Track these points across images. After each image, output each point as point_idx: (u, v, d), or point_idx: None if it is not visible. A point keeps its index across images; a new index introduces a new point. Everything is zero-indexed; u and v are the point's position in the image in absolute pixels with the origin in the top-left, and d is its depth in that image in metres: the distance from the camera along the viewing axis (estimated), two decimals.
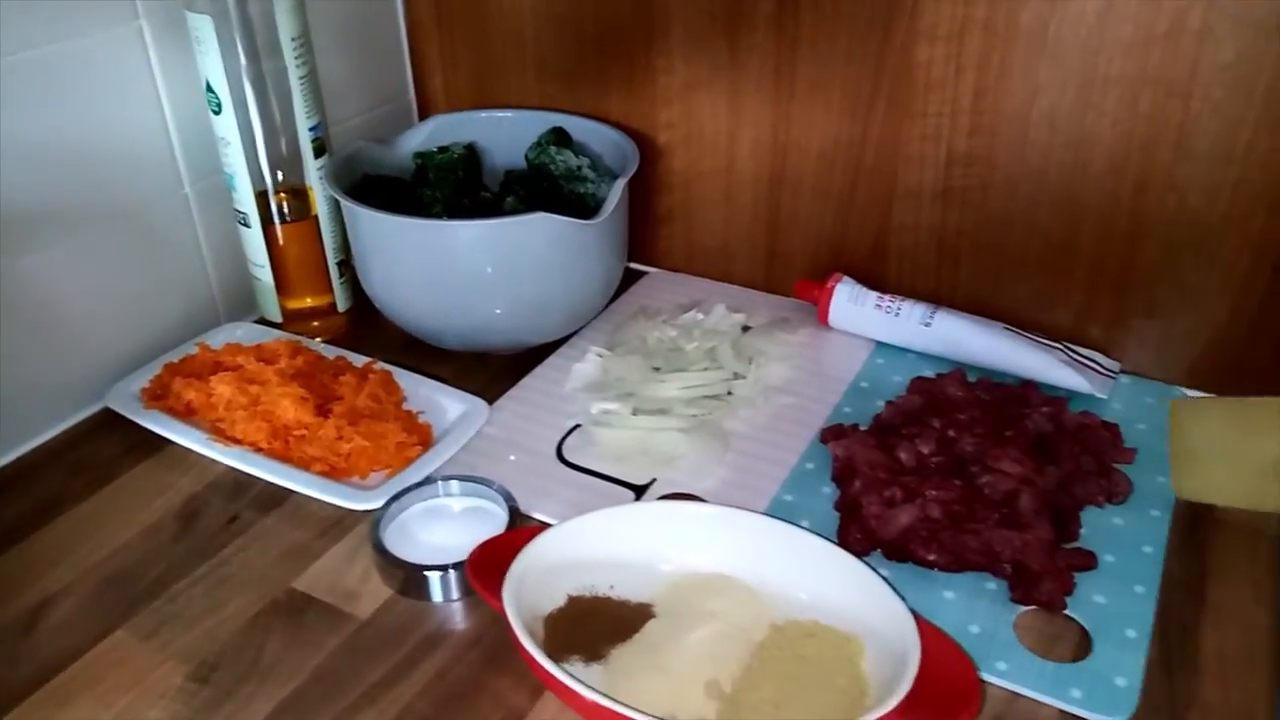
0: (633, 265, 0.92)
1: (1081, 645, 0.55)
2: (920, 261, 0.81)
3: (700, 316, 0.82)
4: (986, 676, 0.53)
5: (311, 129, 0.78)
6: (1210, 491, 0.56)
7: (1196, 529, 0.62)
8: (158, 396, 0.73)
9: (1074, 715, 0.51)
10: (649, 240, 0.92)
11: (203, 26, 0.71)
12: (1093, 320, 0.76)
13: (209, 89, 0.74)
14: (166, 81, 0.74)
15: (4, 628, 0.57)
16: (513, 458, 0.69)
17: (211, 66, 0.73)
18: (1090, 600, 0.57)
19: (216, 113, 0.74)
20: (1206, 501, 0.56)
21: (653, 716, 0.45)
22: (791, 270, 0.87)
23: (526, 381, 0.77)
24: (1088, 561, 0.58)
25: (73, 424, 0.73)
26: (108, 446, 0.71)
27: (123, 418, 0.71)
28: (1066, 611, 0.56)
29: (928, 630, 0.50)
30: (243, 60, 0.73)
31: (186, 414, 0.71)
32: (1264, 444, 0.53)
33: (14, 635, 0.57)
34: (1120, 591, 0.57)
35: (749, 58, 0.80)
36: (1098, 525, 0.61)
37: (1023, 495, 0.59)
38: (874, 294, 0.79)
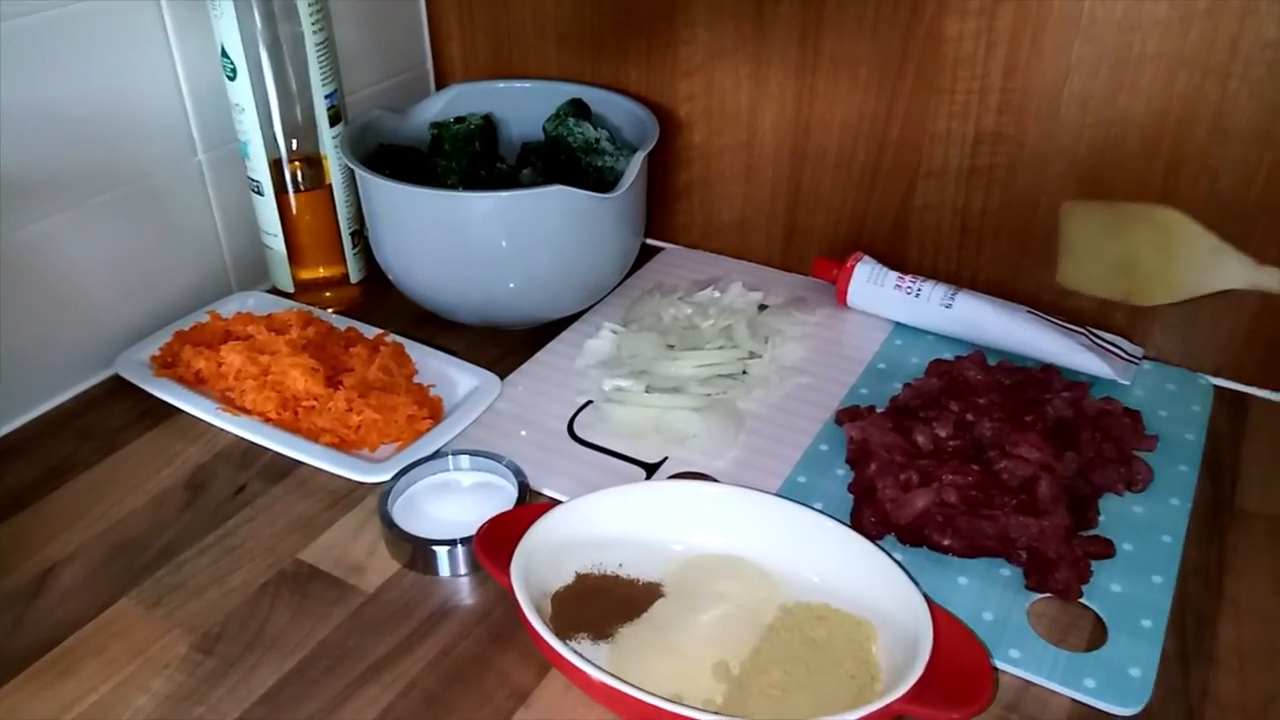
0: (649, 241, 0.91)
1: (1096, 634, 0.54)
2: (942, 242, 0.79)
3: (716, 294, 0.80)
4: (999, 664, 0.52)
5: (327, 96, 0.77)
6: (1080, 281, 0.68)
7: (1216, 518, 0.61)
8: (167, 364, 0.72)
9: (1087, 705, 0.50)
10: (666, 215, 0.91)
11: None
12: (1117, 305, 0.75)
13: (224, 54, 0.73)
14: (181, 46, 0.74)
15: (10, 594, 0.57)
16: (524, 433, 0.68)
17: (227, 31, 0.72)
18: (1107, 589, 0.56)
19: (231, 78, 0.74)
20: (1078, 289, 0.68)
21: (659, 697, 0.45)
22: (810, 248, 0.85)
23: (539, 356, 0.76)
24: (1105, 549, 0.57)
25: (81, 390, 0.73)
26: (116, 414, 0.70)
27: (132, 385, 0.71)
28: (1082, 600, 0.55)
29: (941, 616, 0.49)
30: (259, 25, 0.72)
31: (196, 382, 0.71)
32: (1118, 245, 0.65)
33: (20, 601, 0.56)
34: (1137, 581, 0.56)
35: (773, 28, 0.78)
36: (1117, 513, 0.60)
37: (1041, 481, 0.58)
38: (894, 274, 0.78)
